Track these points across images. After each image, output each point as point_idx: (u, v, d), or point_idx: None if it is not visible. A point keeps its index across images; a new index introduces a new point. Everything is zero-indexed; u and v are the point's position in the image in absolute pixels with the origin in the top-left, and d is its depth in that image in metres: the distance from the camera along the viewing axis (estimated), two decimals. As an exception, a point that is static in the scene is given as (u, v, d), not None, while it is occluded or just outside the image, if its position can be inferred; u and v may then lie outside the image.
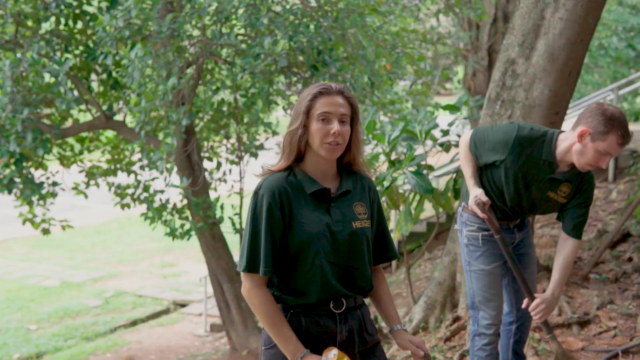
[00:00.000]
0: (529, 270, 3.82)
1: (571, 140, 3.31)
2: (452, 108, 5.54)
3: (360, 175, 2.68)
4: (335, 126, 2.46)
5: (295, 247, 2.50)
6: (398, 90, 11.01)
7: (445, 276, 5.45)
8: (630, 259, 5.86)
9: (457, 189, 5.53)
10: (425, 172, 5.34)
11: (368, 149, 5.79)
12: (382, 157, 5.50)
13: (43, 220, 7.99)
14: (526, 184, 3.47)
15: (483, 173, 3.62)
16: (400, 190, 5.56)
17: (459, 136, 5.74)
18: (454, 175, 5.60)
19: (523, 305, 3.57)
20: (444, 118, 6.09)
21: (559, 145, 3.37)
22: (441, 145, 5.60)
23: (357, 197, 2.62)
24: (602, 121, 3.17)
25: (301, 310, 2.54)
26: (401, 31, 7.81)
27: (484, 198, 3.48)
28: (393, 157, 5.50)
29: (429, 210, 9.92)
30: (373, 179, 2.74)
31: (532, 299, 3.50)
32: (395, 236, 5.48)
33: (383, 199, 5.53)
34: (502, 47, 5.07)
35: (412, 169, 5.17)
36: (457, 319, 5.23)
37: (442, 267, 5.49)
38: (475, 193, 3.50)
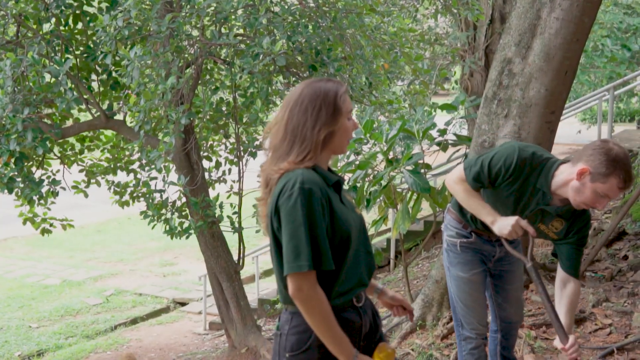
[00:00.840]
0: (514, 286, 3.72)
1: (569, 176, 3.09)
2: (449, 107, 5.60)
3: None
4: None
5: (338, 239, 2.47)
6: (396, 90, 11.05)
7: (442, 274, 5.49)
8: (625, 257, 5.91)
9: (454, 188, 5.58)
10: (422, 171, 5.39)
11: (365, 149, 5.83)
12: (380, 156, 5.55)
13: (44, 220, 8.03)
14: (519, 208, 3.30)
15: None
16: (398, 189, 5.61)
17: (455, 135, 5.80)
18: (451, 174, 5.66)
19: (559, 346, 3.20)
20: (441, 118, 6.14)
21: (556, 177, 3.16)
22: (438, 144, 5.65)
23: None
24: (604, 162, 2.95)
25: (347, 303, 2.51)
26: (399, 31, 7.85)
27: (522, 222, 3.18)
28: (390, 156, 5.56)
29: (426, 209, 9.97)
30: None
31: (566, 338, 3.16)
32: (392, 234, 5.54)
33: (380, 197, 5.59)
34: (499, 47, 5.12)
35: (410, 167, 5.22)
36: (454, 316, 5.27)
37: (439, 265, 5.54)
38: (511, 218, 3.18)
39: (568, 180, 3.08)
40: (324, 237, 2.40)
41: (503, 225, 3.20)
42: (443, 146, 5.65)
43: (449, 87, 17.39)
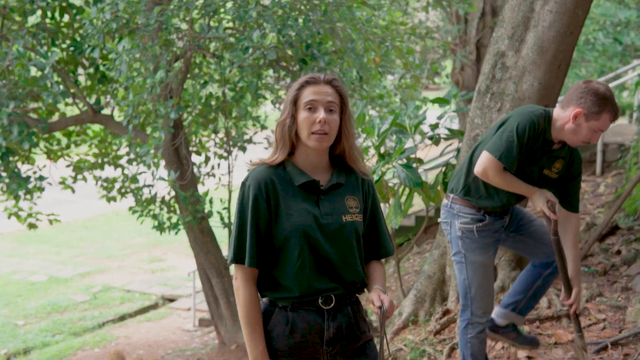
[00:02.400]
0: (536, 222, 3.83)
1: (563, 120, 3.40)
2: (442, 101, 5.53)
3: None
4: (321, 114, 2.42)
5: (281, 239, 2.47)
6: (386, 85, 10.99)
7: (434, 269, 5.44)
8: (618, 252, 5.88)
9: (446, 182, 5.52)
10: (414, 165, 5.34)
11: (357, 143, 5.76)
12: (372, 151, 5.49)
13: (29, 215, 7.94)
14: (537, 164, 3.55)
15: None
16: (390, 184, 5.55)
17: (447, 129, 5.74)
18: (444, 168, 5.60)
19: (561, 298, 3.72)
20: (432, 112, 6.08)
21: (554, 123, 3.46)
22: (430, 138, 5.59)
23: (349, 191, 2.56)
24: (595, 101, 3.30)
25: (289, 305, 2.49)
26: (390, 24, 7.79)
27: (554, 199, 3.52)
28: (382, 150, 5.49)
29: (417, 204, 9.93)
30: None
31: (570, 291, 3.61)
32: (384, 230, 5.48)
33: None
34: (492, 40, 5.06)
35: (402, 162, 5.16)
36: (446, 312, 5.22)
37: (431, 260, 5.49)
38: (545, 194, 3.52)
39: (563, 124, 3.40)
40: (251, 234, 2.45)
41: (540, 197, 3.51)
42: (435, 140, 5.58)
43: (439, 81, 17.37)
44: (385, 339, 2.48)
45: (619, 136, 9.68)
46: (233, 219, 2.51)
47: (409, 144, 5.42)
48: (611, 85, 10.95)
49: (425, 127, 5.64)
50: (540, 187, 3.60)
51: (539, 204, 3.50)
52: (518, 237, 3.82)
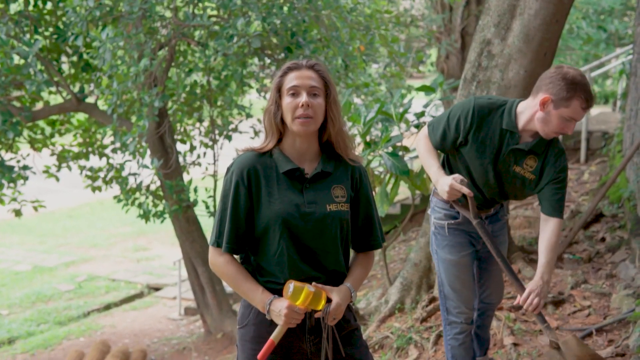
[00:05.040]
0: (497, 267, 3.61)
1: (533, 109, 3.14)
2: (427, 89, 5.52)
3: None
4: (303, 98, 2.42)
5: (262, 227, 2.48)
6: (372, 73, 10.99)
7: (421, 257, 5.45)
8: (603, 239, 5.92)
9: (432, 171, 5.54)
10: (401, 153, 5.33)
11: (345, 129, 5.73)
12: (358, 139, 5.48)
13: (13, 199, 7.86)
14: (492, 159, 3.24)
15: (449, 160, 3.46)
16: (376, 172, 5.55)
17: (433, 117, 5.75)
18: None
19: (515, 302, 3.37)
20: (418, 100, 6.07)
21: (520, 114, 3.19)
22: (416, 126, 5.59)
23: (337, 179, 2.54)
24: (564, 87, 3.01)
25: (272, 292, 2.49)
26: (374, 12, 7.77)
27: (457, 178, 3.23)
28: (368, 139, 5.49)
29: (403, 192, 9.95)
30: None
31: (523, 291, 3.21)
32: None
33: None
34: (478, 28, 5.06)
35: (388, 150, 5.16)
36: (433, 299, 5.24)
37: (417, 248, 5.50)
38: (448, 179, 3.23)
39: (533, 114, 3.13)
40: (230, 220, 2.48)
41: (442, 185, 3.24)
42: (421, 129, 5.58)
43: (424, 69, 17.36)
44: (328, 345, 2.49)
45: (602, 124, 9.72)
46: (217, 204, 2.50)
47: (394, 132, 5.42)
48: (595, 73, 11.00)
49: (410, 116, 5.64)
50: (522, 190, 3.33)
51: (444, 187, 3.21)
52: (483, 264, 3.67)
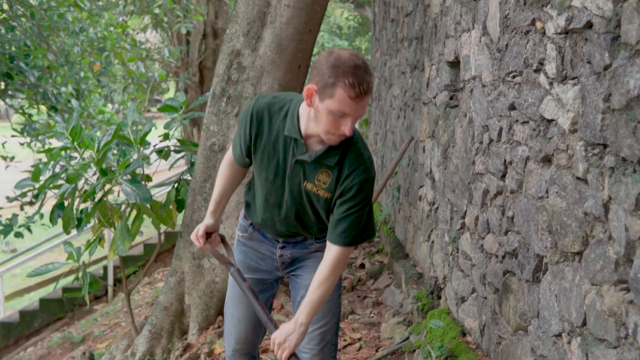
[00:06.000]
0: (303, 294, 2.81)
1: (306, 107, 2.44)
2: (170, 109, 4.90)
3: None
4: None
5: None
6: (109, 109, 10.18)
7: (171, 299, 4.77)
8: (362, 266, 5.65)
9: (179, 200, 4.90)
10: (143, 183, 4.63)
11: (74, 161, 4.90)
12: (92, 168, 4.69)
13: None
14: (276, 173, 2.56)
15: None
16: (115, 205, 4.79)
17: (178, 140, 5.13)
18: (176, 185, 4.97)
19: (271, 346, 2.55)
20: (161, 124, 5.42)
21: (302, 115, 2.47)
22: (159, 151, 4.92)
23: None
24: (326, 72, 2.25)
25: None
26: (107, 26, 7.02)
27: (200, 232, 2.76)
28: (104, 166, 4.74)
29: (146, 233, 9.16)
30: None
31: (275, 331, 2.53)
32: (109, 257, 4.69)
33: (95, 215, 4.72)
34: (226, 38, 4.55)
35: (127, 177, 4.44)
36: (187, 346, 4.57)
37: (167, 289, 4.80)
38: (201, 224, 2.80)
39: (309, 113, 2.41)
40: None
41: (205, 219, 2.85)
42: (165, 154, 4.92)
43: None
44: None
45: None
46: None
47: (134, 157, 4.72)
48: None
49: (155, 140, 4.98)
50: (320, 214, 2.60)
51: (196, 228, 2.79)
52: (290, 289, 2.96)
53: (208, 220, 2.82)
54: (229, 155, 2.80)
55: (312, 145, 2.49)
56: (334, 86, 2.23)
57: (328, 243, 2.53)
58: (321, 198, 2.53)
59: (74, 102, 5.76)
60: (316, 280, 2.50)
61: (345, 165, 2.47)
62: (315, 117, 2.36)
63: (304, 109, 2.46)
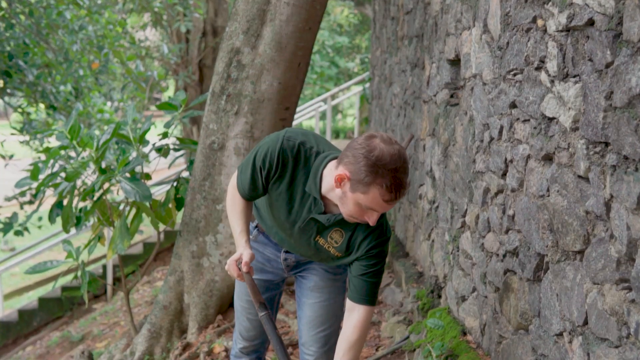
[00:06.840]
0: (310, 300, 2.81)
1: (332, 180, 2.34)
2: (169, 107, 4.89)
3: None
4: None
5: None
6: (108, 108, 10.18)
7: (171, 298, 4.76)
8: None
9: (178, 198, 4.89)
10: (142, 181, 4.62)
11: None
12: (92, 166, 4.68)
13: None
14: (292, 217, 2.52)
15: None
16: (114, 204, 4.78)
17: (177, 138, 5.12)
18: (175, 183, 4.96)
19: None
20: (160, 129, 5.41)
21: (325, 177, 2.39)
22: (158, 150, 4.91)
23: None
24: (363, 167, 2.16)
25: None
26: (107, 24, 7.00)
27: (247, 258, 2.56)
28: (104, 164, 4.72)
29: (145, 232, 9.15)
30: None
31: None
32: (108, 256, 4.68)
33: (94, 214, 4.71)
34: (225, 35, 4.54)
35: (126, 175, 4.43)
36: (187, 345, 4.56)
37: (166, 288, 4.79)
38: (236, 254, 2.59)
39: (333, 185, 2.33)
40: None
41: (238, 249, 2.60)
42: (164, 152, 4.91)
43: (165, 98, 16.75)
44: None
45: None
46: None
47: (133, 155, 4.71)
48: (331, 103, 11.10)
49: (154, 138, 4.96)
50: (332, 261, 2.60)
51: (233, 256, 2.58)
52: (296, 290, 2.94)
53: (248, 250, 2.59)
54: (235, 187, 2.67)
55: (330, 205, 2.46)
56: (369, 185, 2.17)
57: (351, 302, 2.49)
58: (332, 254, 2.53)
59: (77, 104, 5.75)
60: (345, 343, 2.46)
61: (359, 228, 2.46)
62: (342, 199, 2.30)
63: (329, 173, 2.37)
